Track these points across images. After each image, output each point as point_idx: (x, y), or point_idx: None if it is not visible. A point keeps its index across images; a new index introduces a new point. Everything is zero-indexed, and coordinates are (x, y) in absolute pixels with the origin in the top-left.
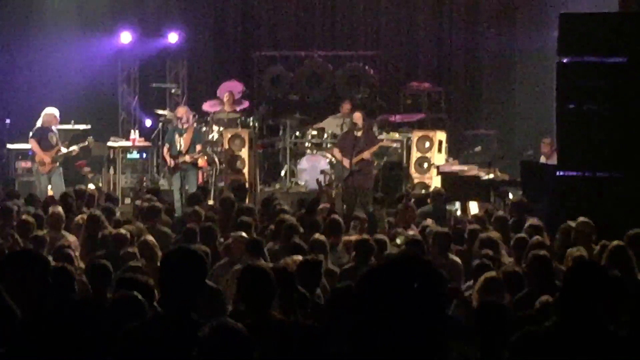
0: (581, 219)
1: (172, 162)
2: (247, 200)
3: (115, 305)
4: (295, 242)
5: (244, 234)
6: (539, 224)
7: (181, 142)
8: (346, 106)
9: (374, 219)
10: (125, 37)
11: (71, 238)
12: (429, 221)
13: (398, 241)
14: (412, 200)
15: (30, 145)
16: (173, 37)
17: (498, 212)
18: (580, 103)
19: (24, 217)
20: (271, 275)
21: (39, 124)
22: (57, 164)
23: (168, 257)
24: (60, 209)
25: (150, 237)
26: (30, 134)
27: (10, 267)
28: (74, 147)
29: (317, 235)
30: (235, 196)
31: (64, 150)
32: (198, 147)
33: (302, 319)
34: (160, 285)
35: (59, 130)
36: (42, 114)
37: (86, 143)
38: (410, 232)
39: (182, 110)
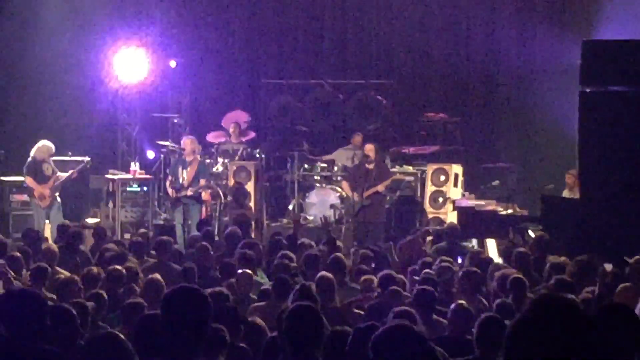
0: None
1: (175, 194)
2: (252, 235)
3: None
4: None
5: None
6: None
7: (184, 175)
8: (357, 138)
9: (383, 256)
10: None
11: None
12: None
13: (416, 277)
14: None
15: (25, 181)
16: (172, 64)
17: (519, 249)
18: (604, 134)
19: (14, 253)
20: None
21: (30, 157)
22: (57, 195)
23: (170, 297)
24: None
25: (157, 276)
26: (24, 169)
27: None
28: (72, 171)
29: (322, 273)
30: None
31: (63, 175)
32: (202, 182)
33: None
34: (162, 326)
35: (54, 161)
36: (35, 147)
37: (84, 163)
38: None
39: (187, 141)
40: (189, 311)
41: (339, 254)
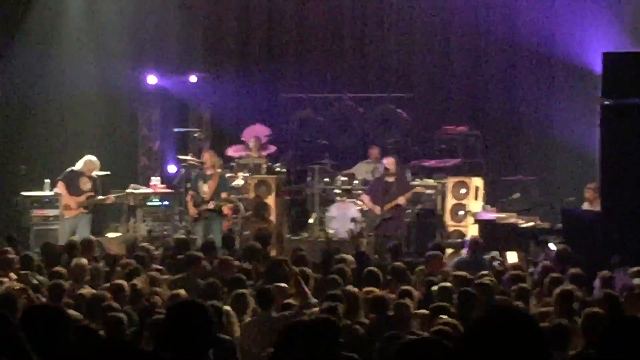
0: None
1: (195, 211)
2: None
3: None
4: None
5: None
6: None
7: (205, 189)
8: (374, 151)
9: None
10: (151, 79)
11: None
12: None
13: (433, 289)
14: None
15: (57, 186)
16: (193, 78)
17: (543, 262)
18: (626, 147)
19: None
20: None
21: (75, 167)
22: (87, 210)
23: (173, 312)
24: (83, 260)
25: (182, 292)
26: (61, 176)
27: (30, 323)
28: (110, 196)
29: (349, 287)
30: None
31: (101, 197)
32: (223, 195)
33: None
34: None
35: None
36: (82, 160)
37: (124, 193)
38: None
39: (207, 155)
40: (192, 325)
41: (372, 268)
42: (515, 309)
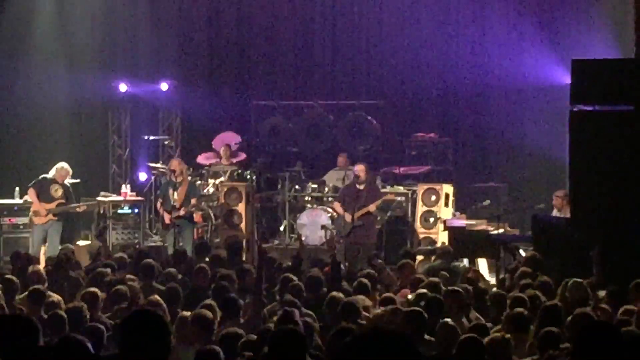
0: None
1: (169, 218)
2: (244, 257)
3: None
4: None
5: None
6: (548, 280)
7: (175, 197)
8: (341, 159)
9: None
10: (122, 87)
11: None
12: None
13: (410, 297)
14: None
15: (27, 193)
16: (164, 86)
17: (513, 268)
18: (595, 154)
19: (10, 277)
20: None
21: (47, 175)
22: (56, 217)
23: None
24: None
25: (157, 297)
26: (32, 183)
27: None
28: (82, 205)
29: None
30: (230, 254)
31: (72, 205)
32: (193, 201)
33: None
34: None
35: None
36: (55, 167)
37: (95, 202)
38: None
39: (175, 163)
40: (147, 334)
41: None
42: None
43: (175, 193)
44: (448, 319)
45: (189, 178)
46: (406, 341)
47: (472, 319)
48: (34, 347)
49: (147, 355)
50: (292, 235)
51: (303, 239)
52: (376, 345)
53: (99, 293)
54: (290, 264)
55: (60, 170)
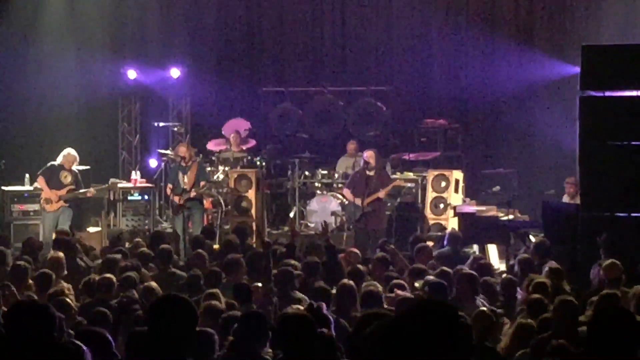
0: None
1: (179, 200)
2: (252, 243)
3: None
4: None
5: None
6: (557, 267)
7: (185, 180)
8: (351, 146)
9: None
10: (131, 74)
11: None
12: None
13: (417, 284)
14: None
15: (37, 180)
16: (175, 72)
17: (523, 255)
18: (604, 139)
19: (19, 263)
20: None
21: (55, 162)
22: (67, 203)
23: (157, 306)
24: (60, 253)
25: (154, 284)
26: (41, 170)
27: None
28: (91, 189)
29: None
30: (239, 239)
31: (81, 190)
32: (202, 183)
33: None
34: (149, 333)
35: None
36: (62, 153)
37: (106, 185)
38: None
39: (182, 149)
40: (175, 319)
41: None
42: (443, 303)
43: (185, 177)
44: (484, 308)
45: (198, 160)
46: (455, 311)
47: (479, 305)
48: (49, 336)
49: (174, 341)
50: (302, 221)
51: (312, 225)
52: (430, 315)
53: (114, 279)
54: (284, 250)
55: (68, 157)
